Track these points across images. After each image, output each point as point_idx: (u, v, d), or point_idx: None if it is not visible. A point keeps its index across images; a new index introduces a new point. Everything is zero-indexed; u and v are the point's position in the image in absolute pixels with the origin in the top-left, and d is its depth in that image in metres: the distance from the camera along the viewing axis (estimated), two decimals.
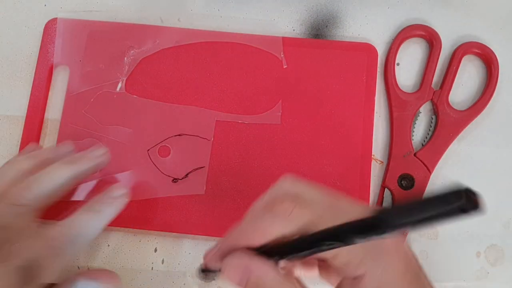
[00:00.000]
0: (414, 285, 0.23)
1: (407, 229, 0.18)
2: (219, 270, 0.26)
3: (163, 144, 0.38)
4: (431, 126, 0.39)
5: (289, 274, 0.24)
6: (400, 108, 0.39)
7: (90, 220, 0.31)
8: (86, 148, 0.36)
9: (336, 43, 0.40)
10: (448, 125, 0.38)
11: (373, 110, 0.38)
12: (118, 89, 0.39)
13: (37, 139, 0.39)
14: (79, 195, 0.36)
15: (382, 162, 0.39)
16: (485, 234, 0.38)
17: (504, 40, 0.40)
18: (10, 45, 0.41)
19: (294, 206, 0.23)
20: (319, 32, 0.41)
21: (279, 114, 0.38)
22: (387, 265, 0.22)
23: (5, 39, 0.41)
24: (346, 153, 0.38)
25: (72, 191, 0.36)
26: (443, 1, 0.41)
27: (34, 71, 0.40)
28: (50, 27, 0.40)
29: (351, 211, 0.23)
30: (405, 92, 0.39)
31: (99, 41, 0.40)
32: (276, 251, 0.23)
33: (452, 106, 0.39)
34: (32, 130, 0.38)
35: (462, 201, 0.15)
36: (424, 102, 0.39)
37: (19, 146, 0.38)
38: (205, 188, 0.37)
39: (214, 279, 0.34)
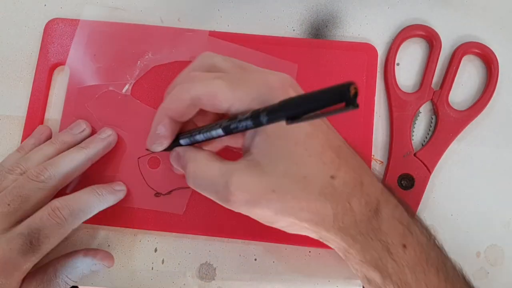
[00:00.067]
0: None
1: (300, 118, 0.21)
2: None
3: (154, 156, 0.38)
4: (431, 126, 0.39)
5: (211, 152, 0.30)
6: (400, 108, 0.39)
7: (93, 201, 0.34)
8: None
9: (336, 43, 0.40)
10: (448, 125, 0.38)
11: (373, 110, 0.38)
12: (124, 90, 0.39)
13: None
14: None
15: (382, 162, 0.39)
16: (485, 234, 0.38)
17: (504, 40, 0.40)
18: (10, 45, 0.41)
19: (199, 73, 0.28)
20: (319, 32, 0.41)
21: None
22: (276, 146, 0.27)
23: (5, 39, 0.41)
24: None
25: None
26: (443, 1, 0.41)
27: (34, 71, 0.40)
28: (50, 27, 0.40)
29: (254, 85, 0.27)
30: (405, 92, 0.39)
31: (118, 40, 0.40)
32: (198, 136, 0.29)
33: (452, 106, 0.39)
34: (32, 130, 0.38)
35: (348, 99, 0.18)
36: (424, 102, 0.39)
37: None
38: (184, 209, 0.37)
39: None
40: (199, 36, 0.40)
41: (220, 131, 0.27)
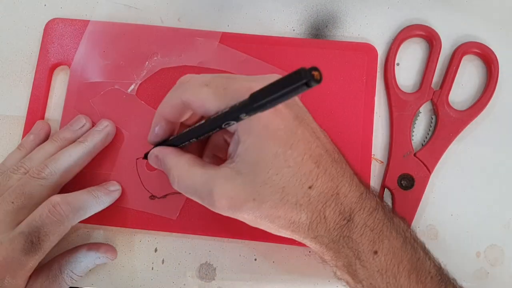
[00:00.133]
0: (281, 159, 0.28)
1: (271, 105, 0.23)
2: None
3: None
4: (431, 126, 0.39)
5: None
6: (400, 108, 0.39)
7: (90, 201, 0.34)
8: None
9: (336, 43, 0.40)
10: (448, 125, 0.38)
11: (373, 110, 0.38)
12: (129, 90, 0.39)
13: None
14: None
15: (382, 162, 0.39)
16: (485, 234, 0.38)
17: (504, 40, 0.40)
18: (10, 45, 0.41)
19: (191, 77, 0.30)
20: (319, 32, 0.41)
21: None
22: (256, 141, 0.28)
23: (5, 39, 0.41)
24: (346, 153, 0.37)
25: None
26: (443, 1, 0.41)
27: (34, 71, 0.40)
28: (50, 27, 0.40)
29: (238, 94, 0.28)
30: (405, 92, 0.39)
31: (128, 39, 0.40)
32: (181, 140, 0.31)
33: (452, 106, 0.39)
34: None
35: (307, 78, 0.20)
36: (424, 102, 0.39)
37: None
38: (178, 214, 0.37)
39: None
40: (209, 43, 0.40)
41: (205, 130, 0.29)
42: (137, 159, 0.38)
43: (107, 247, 0.37)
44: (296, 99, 0.30)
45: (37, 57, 0.40)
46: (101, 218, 0.36)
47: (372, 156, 0.38)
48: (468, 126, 0.38)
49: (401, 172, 0.38)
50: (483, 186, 0.38)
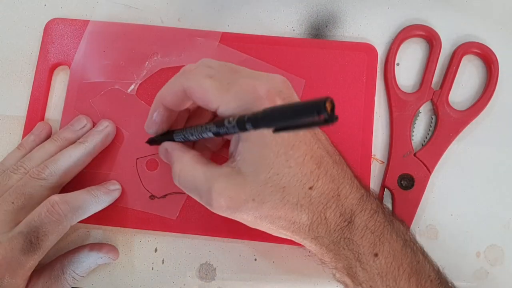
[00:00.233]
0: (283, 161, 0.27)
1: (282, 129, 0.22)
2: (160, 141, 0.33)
3: (153, 158, 0.38)
4: (431, 126, 0.39)
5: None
6: (400, 108, 0.39)
7: (89, 200, 0.34)
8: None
9: (336, 43, 0.40)
10: (448, 125, 0.38)
11: (373, 110, 0.38)
12: (129, 90, 0.39)
13: None
14: None
15: (383, 162, 0.39)
16: (485, 234, 0.38)
17: (504, 40, 0.40)
18: (10, 45, 0.41)
19: (196, 67, 0.30)
20: (319, 32, 0.41)
21: None
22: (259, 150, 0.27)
23: (5, 39, 0.41)
24: (346, 153, 0.38)
25: None
26: (443, 1, 0.41)
27: (34, 71, 0.40)
28: (50, 27, 0.40)
29: (241, 92, 0.27)
30: (405, 92, 0.39)
31: (128, 39, 0.40)
32: (182, 137, 0.31)
33: (452, 106, 0.39)
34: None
35: (325, 114, 0.19)
36: (424, 102, 0.39)
37: None
38: (178, 214, 0.37)
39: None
40: (209, 43, 0.40)
41: (210, 134, 0.28)
42: (137, 159, 0.38)
43: (109, 247, 0.37)
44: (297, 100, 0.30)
45: (37, 57, 0.40)
46: (101, 218, 0.36)
47: (373, 156, 0.38)
48: (468, 126, 0.38)
49: (401, 172, 0.38)
50: (483, 186, 0.38)
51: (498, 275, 0.37)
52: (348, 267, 0.29)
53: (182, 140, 0.32)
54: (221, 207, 0.28)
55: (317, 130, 0.30)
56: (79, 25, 0.40)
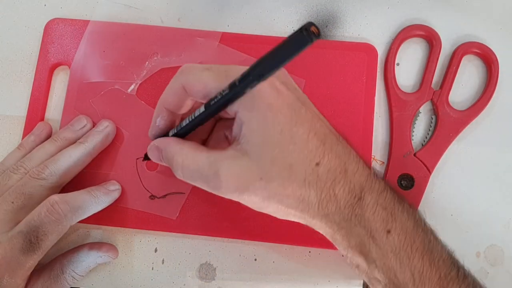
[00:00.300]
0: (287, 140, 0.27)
1: (276, 69, 0.23)
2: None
3: None
4: (431, 126, 0.39)
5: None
6: (400, 108, 0.39)
7: (89, 201, 0.34)
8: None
9: (336, 43, 0.40)
10: (448, 125, 0.38)
11: (373, 110, 0.38)
12: (129, 90, 0.39)
13: None
14: None
15: (383, 162, 0.39)
16: (485, 234, 0.38)
17: (504, 40, 0.40)
18: (10, 45, 0.41)
19: (192, 65, 0.30)
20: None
21: None
22: (263, 118, 0.27)
23: (5, 39, 0.41)
24: None
25: None
26: (443, 1, 0.41)
27: (34, 71, 0.40)
28: (50, 27, 0.40)
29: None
30: (405, 92, 0.39)
31: (128, 39, 0.40)
32: (182, 130, 0.31)
33: (452, 106, 0.39)
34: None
35: (306, 37, 0.21)
36: (424, 102, 0.39)
37: None
38: (178, 214, 0.37)
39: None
40: (209, 43, 0.40)
41: (202, 109, 0.28)
42: (137, 159, 0.38)
43: (109, 246, 0.37)
44: (296, 86, 0.30)
45: (37, 57, 0.40)
46: (101, 218, 0.36)
47: (373, 156, 0.38)
48: (468, 126, 0.38)
49: (401, 172, 0.38)
50: (483, 186, 0.38)
51: (498, 275, 0.37)
52: (361, 244, 0.29)
53: (175, 131, 0.31)
54: (229, 188, 0.27)
55: (318, 112, 0.30)
56: (79, 25, 0.40)
